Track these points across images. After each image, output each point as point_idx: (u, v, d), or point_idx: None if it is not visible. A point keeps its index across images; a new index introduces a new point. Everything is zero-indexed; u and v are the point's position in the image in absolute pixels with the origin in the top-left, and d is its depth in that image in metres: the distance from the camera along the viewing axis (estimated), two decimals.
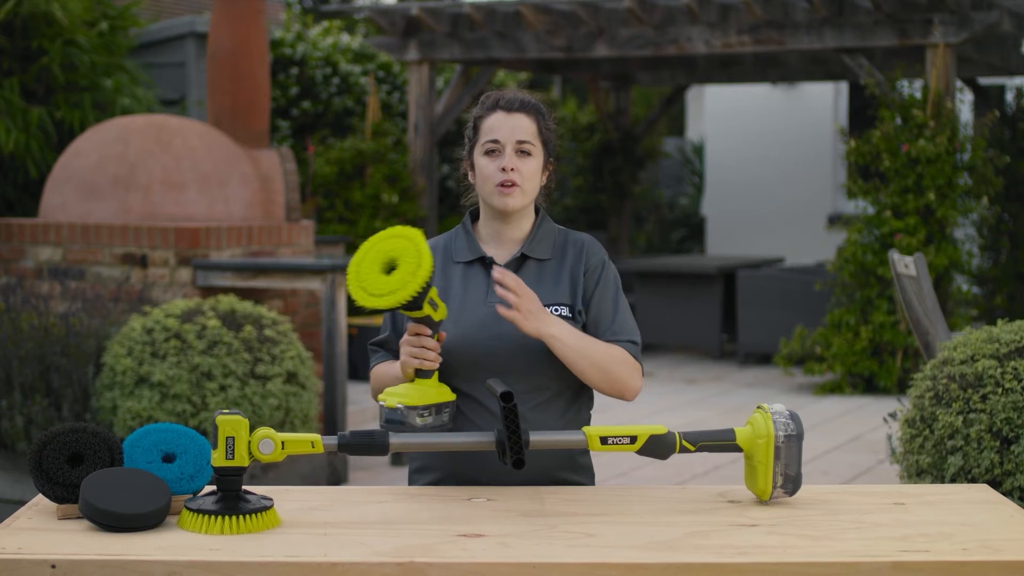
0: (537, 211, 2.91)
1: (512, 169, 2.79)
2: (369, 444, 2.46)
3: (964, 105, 11.02)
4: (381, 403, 2.65)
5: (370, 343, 2.97)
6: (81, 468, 2.43)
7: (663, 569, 2.18)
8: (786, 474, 2.55)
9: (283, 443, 2.42)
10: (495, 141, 2.81)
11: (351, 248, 10.24)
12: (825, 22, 9.22)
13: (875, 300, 8.97)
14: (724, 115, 14.01)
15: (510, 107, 2.83)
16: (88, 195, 7.06)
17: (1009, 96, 11.62)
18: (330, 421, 6.54)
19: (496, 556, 2.21)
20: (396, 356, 2.89)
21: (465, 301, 2.80)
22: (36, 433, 5.95)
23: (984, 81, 11.87)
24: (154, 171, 7.04)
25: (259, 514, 2.35)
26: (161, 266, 6.74)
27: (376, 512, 2.49)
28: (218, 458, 2.37)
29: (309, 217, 9.92)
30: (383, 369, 2.90)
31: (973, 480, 3.81)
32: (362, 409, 6.97)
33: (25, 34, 8.91)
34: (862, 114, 11.93)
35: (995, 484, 3.78)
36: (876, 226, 8.97)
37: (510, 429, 2.46)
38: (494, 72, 11.32)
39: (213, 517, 2.32)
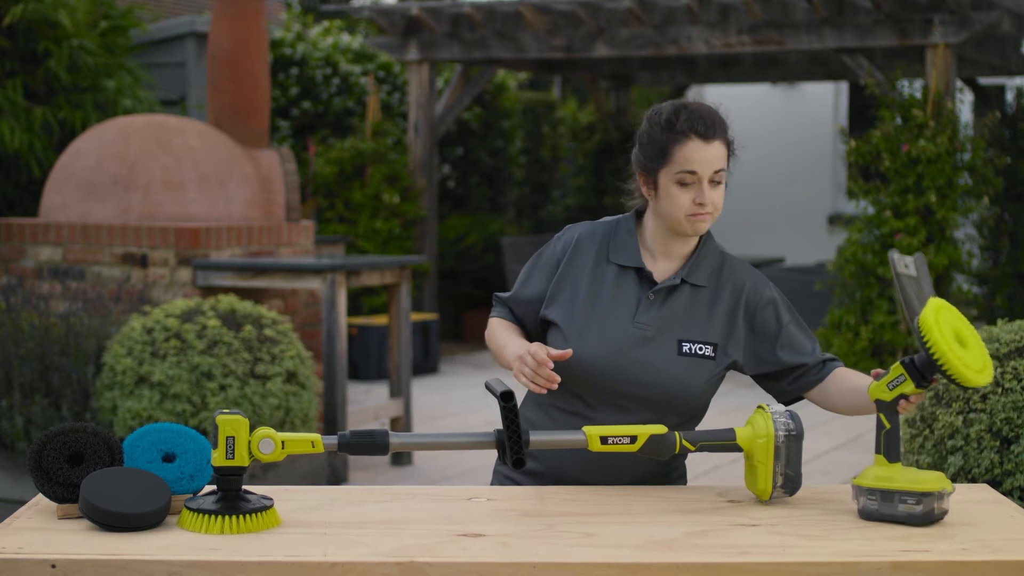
0: None
1: (709, 203, 2.68)
2: (369, 444, 2.46)
3: (964, 105, 11.01)
4: None
5: (496, 293, 2.93)
6: (81, 468, 2.43)
7: (663, 569, 2.18)
8: (786, 474, 2.54)
9: (283, 443, 2.41)
10: (692, 173, 2.67)
11: (351, 248, 10.25)
12: (825, 22, 9.22)
13: (875, 300, 8.97)
14: None
15: (707, 135, 2.68)
16: (88, 195, 7.06)
17: (1009, 96, 11.62)
18: (330, 421, 6.53)
19: (496, 556, 2.21)
20: (514, 316, 2.86)
21: (613, 312, 2.73)
22: (36, 433, 5.95)
23: (984, 81, 11.87)
24: (154, 171, 7.04)
25: (259, 514, 2.35)
26: (161, 266, 6.74)
27: (376, 512, 2.49)
28: (218, 458, 2.37)
29: (309, 217, 9.92)
30: (501, 332, 2.81)
31: (973, 480, 3.81)
32: (362, 409, 6.96)
33: (28, 36, 8.92)
34: (862, 114, 11.93)
35: (995, 484, 3.78)
36: (876, 226, 8.97)
37: (510, 429, 2.46)
38: (494, 72, 11.33)
39: (213, 517, 2.32)
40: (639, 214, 2.83)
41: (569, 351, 2.61)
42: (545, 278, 2.82)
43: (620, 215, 2.87)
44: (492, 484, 2.89)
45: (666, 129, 2.70)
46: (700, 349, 2.72)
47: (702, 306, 2.76)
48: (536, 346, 2.59)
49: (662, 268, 2.78)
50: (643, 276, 2.76)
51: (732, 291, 2.78)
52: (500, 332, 2.81)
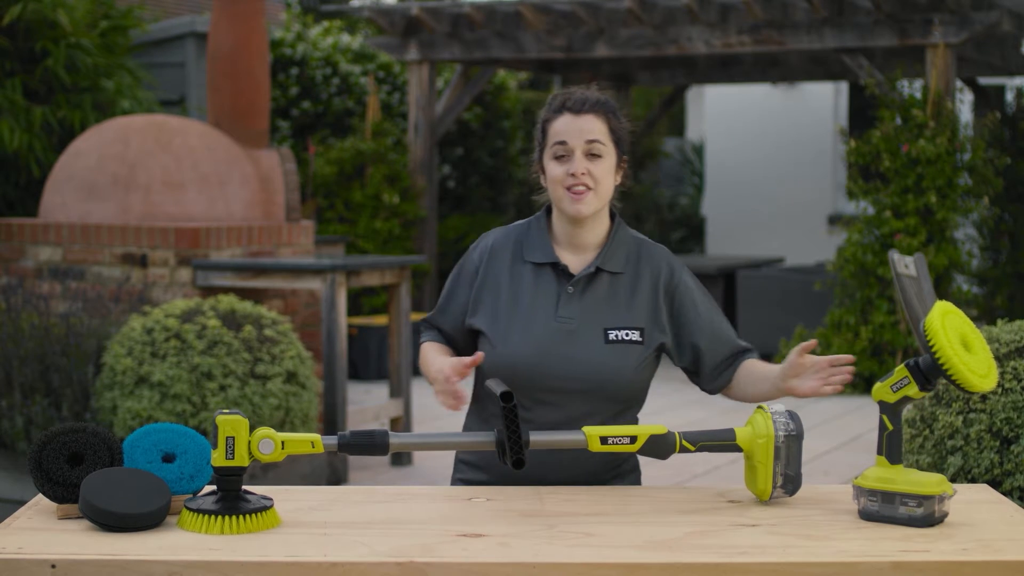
0: (613, 217, 2.82)
1: (583, 173, 2.69)
2: (369, 444, 2.46)
3: (964, 105, 11.02)
4: None
5: (423, 319, 2.90)
6: (81, 468, 2.43)
7: (663, 569, 2.18)
8: (786, 474, 2.54)
9: (283, 443, 2.41)
10: (563, 144, 2.71)
11: (351, 248, 10.25)
12: (825, 22, 9.22)
13: (875, 300, 8.97)
14: (724, 115, 14.00)
15: (578, 108, 2.72)
16: (88, 195, 7.06)
17: (1009, 96, 11.62)
18: (330, 421, 6.53)
19: (496, 556, 2.21)
20: (443, 336, 2.85)
21: (535, 310, 2.73)
22: (36, 433, 5.95)
23: (984, 81, 11.87)
24: (154, 171, 7.04)
25: (259, 514, 2.35)
26: (161, 266, 6.74)
27: (376, 512, 2.49)
28: (218, 458, 2.37)
29: (309, 217, 9.92)
30: (428, 355, 2.81)
31: (973, 480, 3.81)
32: (362, 409, 6.96)
33: (28, 36, 8.92)
34: (862, 114, 11.93)
35: (995, 484, 3.78)
36: (876, 226, 8.97)
37: (510, 429, 2.46)
38: (494, 72, 11.32)
39: (213, 517, 2.32)
40: (549, 211, 2.84)
41: (477, 356, 2.61)
42: (467, 289, 2.82)
43: (532, 216, 2.88)
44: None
45: (545, 111, 2.77)
46: (627, 335, 2.73)
47: (623, 292, 2.76)
48: (448, 366, 2.59)
49: (577, 261, 2.79)
50: (559, 270, 2.77)
51: (651, 275, 2.79)
52: (428, 356, 2.81)
